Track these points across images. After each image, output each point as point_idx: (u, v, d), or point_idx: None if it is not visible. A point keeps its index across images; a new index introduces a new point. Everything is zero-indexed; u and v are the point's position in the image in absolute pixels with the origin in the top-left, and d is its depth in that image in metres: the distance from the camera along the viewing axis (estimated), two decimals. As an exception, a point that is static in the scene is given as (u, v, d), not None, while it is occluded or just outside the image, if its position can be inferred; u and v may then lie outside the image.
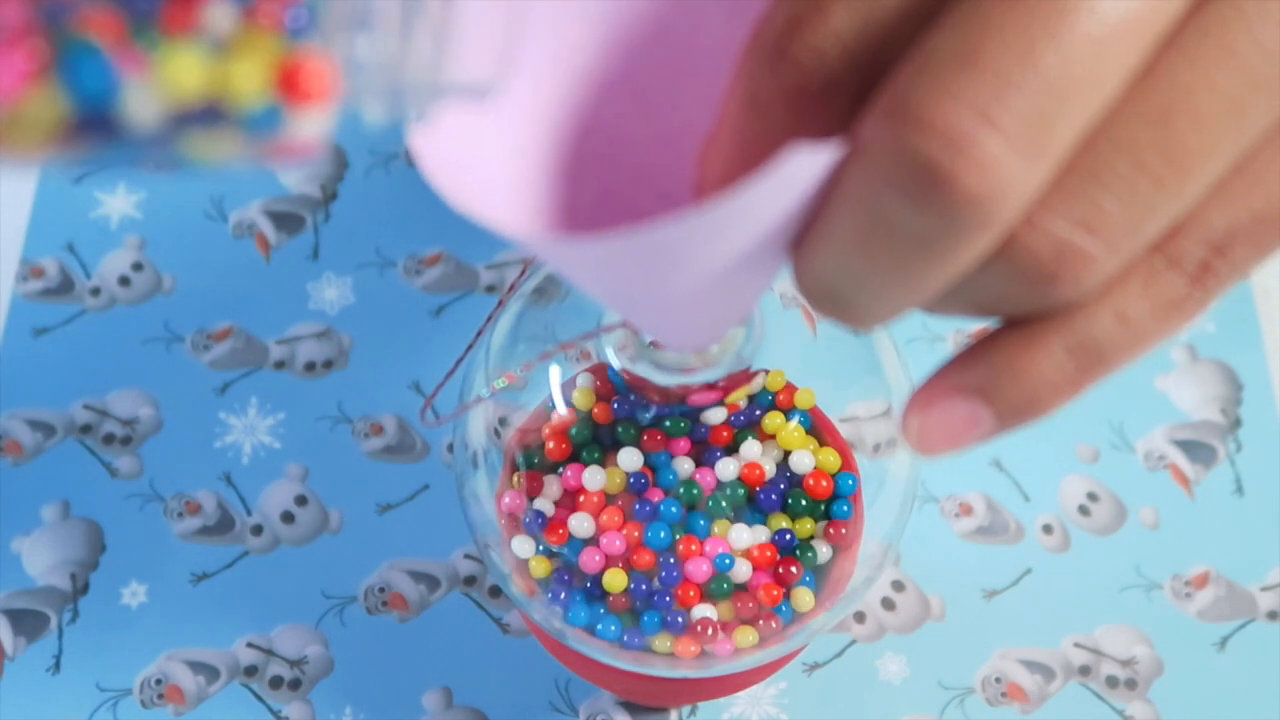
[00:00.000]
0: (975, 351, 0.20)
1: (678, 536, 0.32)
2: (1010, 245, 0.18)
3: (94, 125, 0.15)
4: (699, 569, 0.32)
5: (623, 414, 0.33)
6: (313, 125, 0.16)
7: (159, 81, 0.15)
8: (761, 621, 0.33)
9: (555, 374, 0.34)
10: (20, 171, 0.15)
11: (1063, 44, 0.16)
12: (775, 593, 0.32)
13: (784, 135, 0.19)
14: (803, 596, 0.33)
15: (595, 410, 0.33)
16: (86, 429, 0.46)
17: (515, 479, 0.34)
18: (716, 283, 0.20)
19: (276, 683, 0.42)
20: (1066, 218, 0.18)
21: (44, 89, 0.14)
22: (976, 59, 0.16)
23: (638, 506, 0.33)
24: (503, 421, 0.35)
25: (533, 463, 0.34)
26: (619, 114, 0.23)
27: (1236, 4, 0.17)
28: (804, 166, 0.17)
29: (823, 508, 0.33)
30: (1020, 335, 0.20)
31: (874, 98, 0.17)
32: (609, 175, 0.23)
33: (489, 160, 0.22)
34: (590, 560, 0.32)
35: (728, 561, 0.32)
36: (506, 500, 0.34)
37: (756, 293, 0.22)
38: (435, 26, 0.18)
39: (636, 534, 0.32)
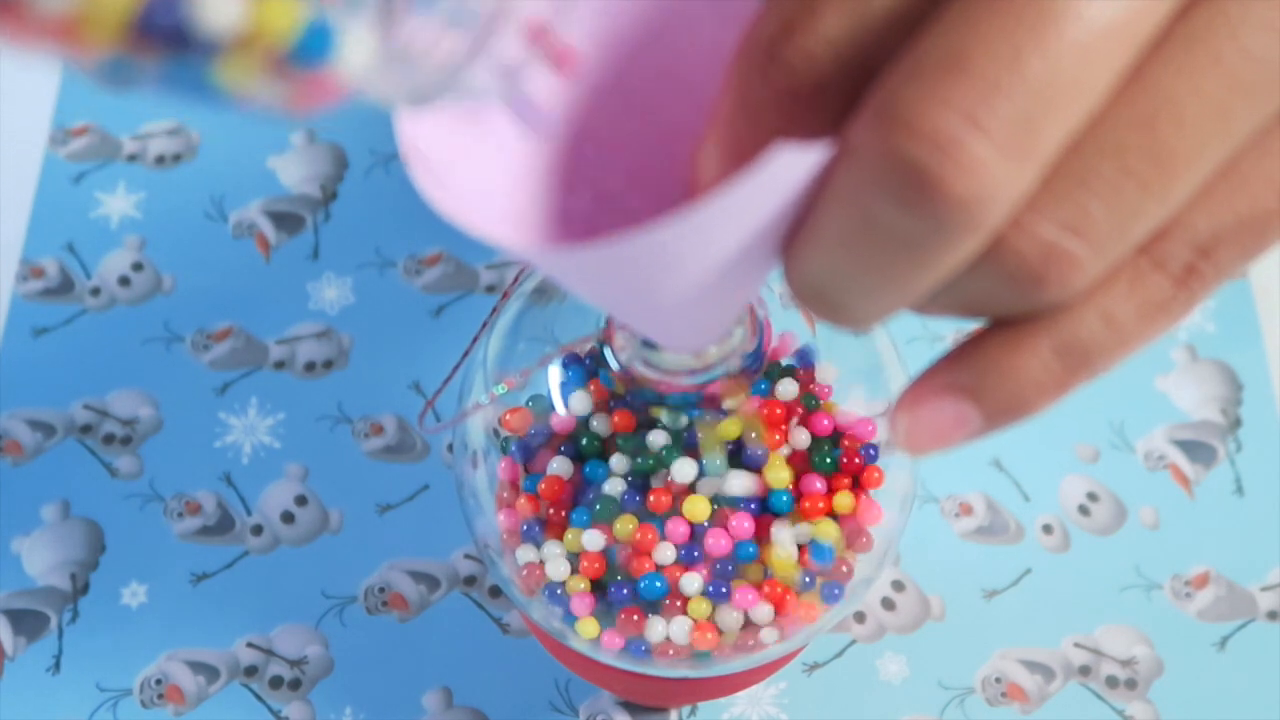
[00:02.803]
0: (963, 351, 0.20)
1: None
2: (997, 248, 0.18)
3: (160, 29, 0.15)
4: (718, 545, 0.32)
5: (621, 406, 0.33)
6: (360, 54, 0.16)
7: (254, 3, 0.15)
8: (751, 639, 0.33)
9: (554, 375, 0.34)
10: (67, 67, 0.15)
11: (1049, 50, 0.16)
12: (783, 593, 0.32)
13: (775, 138, 0.19)
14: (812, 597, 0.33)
15: (595, 411, 0.33)
16: (86, 429, 0.46)
17: (515, 480, 0.34)
18: (709, 284, 0.20)
19: (276, 683, 0.42)
20: (1053, 221, 0.18)
21: None
22: (964, 64, 0.16)
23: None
24: (502, 422, 0.35)
25: (531, 462, 0.34)
26: (612, 118, 0.23)
27: (1222, 10, 0.17)
28: (790, 165, 0.17)
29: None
30: (1008, 335, 0.20)
31: (863, 101, 0.17)
32: (603, 179, 0.23)
33: (482, 166, 0.22)
34: (589, 561, 0.32)
35: (751, 549, 0.32)
36: (506, 500, 0.34)
37: (749, 293, 0.22)
38: (484, 21, 0.18)
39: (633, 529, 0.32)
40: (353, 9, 0.16)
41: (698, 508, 0.32)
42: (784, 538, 0.32)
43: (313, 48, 0.16)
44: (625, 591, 0.32)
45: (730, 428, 0.32)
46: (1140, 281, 0.19)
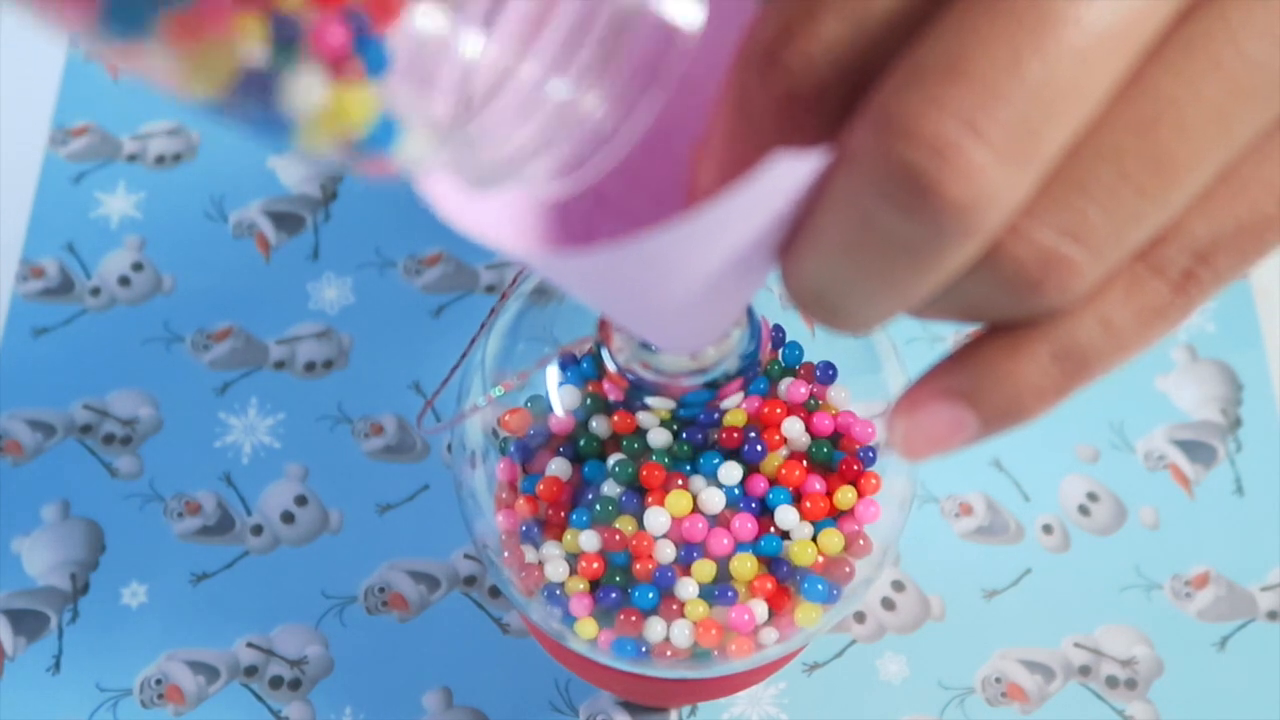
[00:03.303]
0: (961, 356, 0.20)
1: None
2: (996, 253, 0.18)
3: (256, 88, 0.16)
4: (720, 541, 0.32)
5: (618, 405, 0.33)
6: (419, 149, 0.18)
7: (336, 95, 0.16)
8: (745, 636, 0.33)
9: (553, 376, 0.34)
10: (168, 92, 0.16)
11: (1048, 55, 0.16)
12: (773, 588, 0.32)
13: (774, 141, 0.19)
14: (807, 611, 0.33)
15: (594, 412, 0.33)
16: (86, 429, 0.46)
17: (514, 481, 0.34)
18: (707, 288, 0.20)
19: (276, 683, 0.42)
20: (1052, 226, 0.18)
21: (247, 30, 0.16)
22: (963, 69, 0.16)
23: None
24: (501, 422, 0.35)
25: (530, 463, 0.34)
26: None
27: (1222, 15, 0.17)
28: (789, 173, 0.17)
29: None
30: (1006, 340, 0.20)
31: (862, 106, 0.17)
32: (603, 181, 0.23)
33: None
34: (588, 561, 0.32)
35: (775, 543, 0.32)
36: (504, 501, 0.34)
37: (747, 297, 0.22)
38: (551, 126, 0.19)
39: (632, 528, 0.32)
40: (424, 104, 0.18)
41: (681, 502, 0.32)
42: (791, 519, 0.32)
43: (378, 139, 0.17)
44: (618, 595, 0.32)
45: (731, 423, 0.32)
46: (1138, 287, 0.19)
